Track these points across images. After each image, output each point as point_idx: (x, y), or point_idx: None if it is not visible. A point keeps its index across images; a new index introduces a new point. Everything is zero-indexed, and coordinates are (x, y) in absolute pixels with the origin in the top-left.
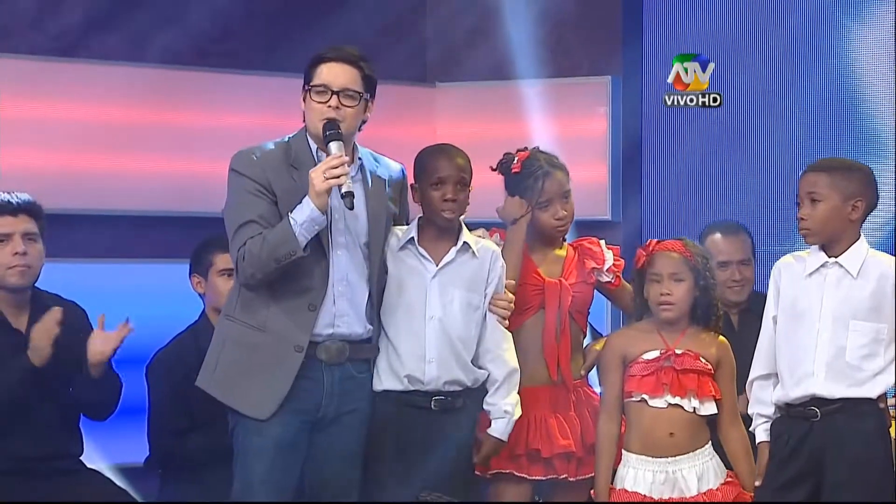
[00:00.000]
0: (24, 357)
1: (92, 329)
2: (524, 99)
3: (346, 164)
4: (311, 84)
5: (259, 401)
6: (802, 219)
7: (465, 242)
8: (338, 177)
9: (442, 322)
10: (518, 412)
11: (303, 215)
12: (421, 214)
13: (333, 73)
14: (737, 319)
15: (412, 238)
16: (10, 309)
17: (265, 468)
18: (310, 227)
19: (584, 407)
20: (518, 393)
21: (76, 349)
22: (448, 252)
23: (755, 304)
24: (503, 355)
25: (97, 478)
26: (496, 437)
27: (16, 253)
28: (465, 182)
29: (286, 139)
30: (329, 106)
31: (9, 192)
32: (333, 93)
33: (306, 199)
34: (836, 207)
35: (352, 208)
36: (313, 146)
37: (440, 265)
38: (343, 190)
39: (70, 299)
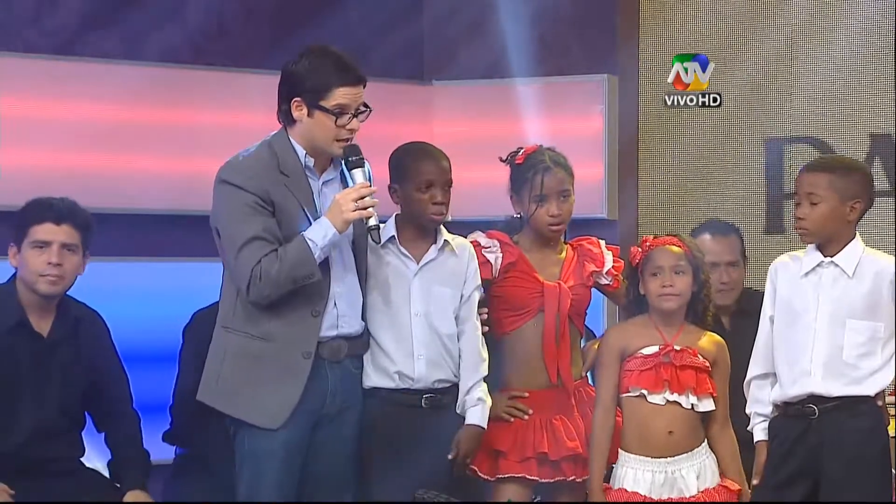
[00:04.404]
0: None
1: (111, 339)
2: (520, 97)
3: (373, 195)
4: (326, 106)
5: (270, 410)
6: (801, 218)
7: (445, 241)
8: (366, 208)
9: (427, 318)
10: (489, 400)
11: (324, 238)
12: (398, 213)
13: (351, 96)
14: (728, 321)
15: (392, 237)
16: (35, 312)
17: (276, 471)
18: (328, 250)
19: (586, 407)
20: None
21: (94, 360)
22: (429, 250)
23: (747, 305)
24: (476, 338)
25: (96, 478)
26: (477, 425)
27: (50, 262)
28: (451, 183)
29: (268, 143)
30: (349, 128)
31: (58, 198)
32: (352, 115)
33: (325, 221)
34: (835, 208)
35: (378, 242)
36: (300, 152)
37: (421, 263)
38: (371, 223)
39: (94, 309)
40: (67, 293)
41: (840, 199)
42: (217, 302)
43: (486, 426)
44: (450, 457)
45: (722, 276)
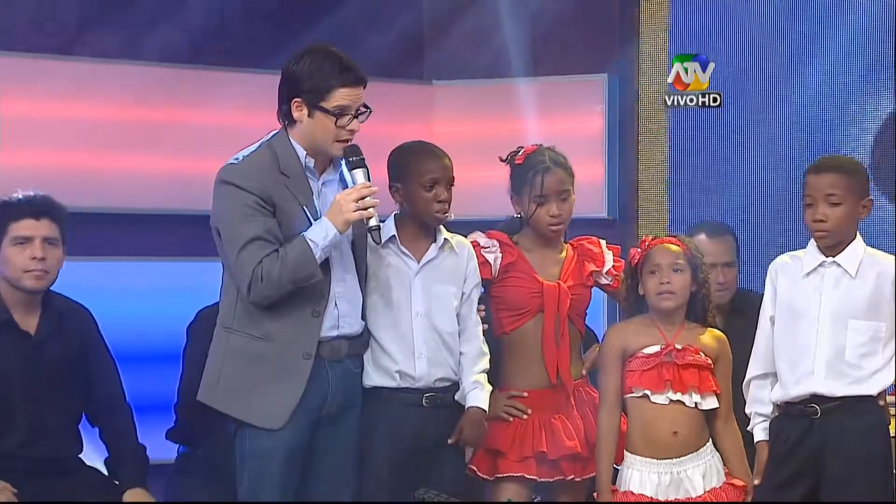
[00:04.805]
0: None
1: (99, 332)
2: (521, 97)
3: (374, 196)
4: (326, 107)
5: (271, 411)
6: (822, 220)
7: (444, 239)
8: (367, 208)
9: (428, 317)
10: (488, 387)
11: (325, 239)
12: (396, 212)
13: (352, 97)
14: (722, 321)
15: (393, 236)
16: (20, 310)
17: (277, 471)
18: (328, 251)
19: (586, 406)
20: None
21: (84, 354)
22: (429, 249)
23: (741, 304)
24: (477, 334)
25: (96, 476)
26: (478, 407)
27: (34, 258)
28: (453, 181)
29: (268, 143)
30: (349, 129)
31: (33, 192)
32: (352, 116)
33: (325, 221)
34: (853, 209)
35: (379, 242)
36: (300, 153)
37: (422, 262)
38: (372, 223)
39: (79, 302)
40: (51, 288)
41: (856, 199)
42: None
43: (487, 409)
44: (450, 441)
45: (718, 276)
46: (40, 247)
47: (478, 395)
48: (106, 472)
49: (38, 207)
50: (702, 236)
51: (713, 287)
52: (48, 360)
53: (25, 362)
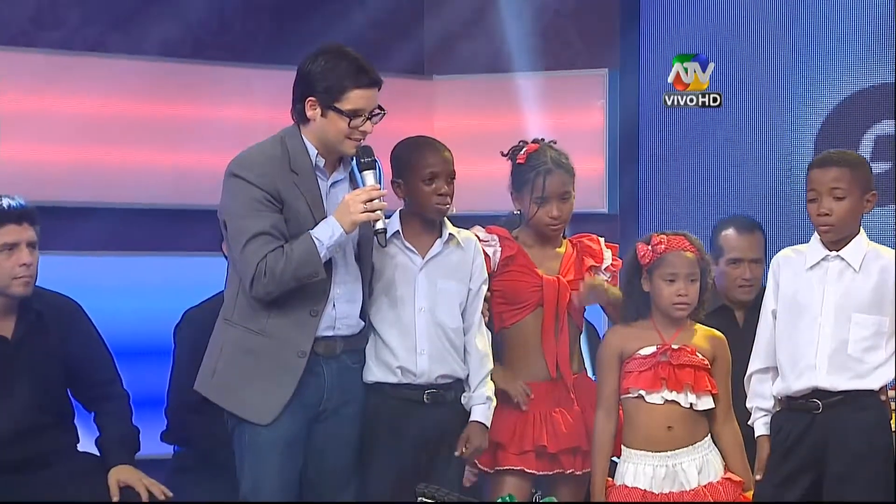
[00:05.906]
0: None
1: (86, 322)
2: (521, 92)
3: (382, 198)
4: (340, 108)
5: (262, 405)
6: (826, 214)
7: (450, 234)
8: (374, 210)
9: (432, 313)
10: (494, 400)
11: (331, 238)
12: (402, 207)
13: (366, 99)
14: (741, 315)
15: (397, 232)
16: None
17: (277, 462)
18: (334, 250)
19: (586, 399)
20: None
21: (69, 347)
22: (434, 244)
23: (758, 301)
24: (478, 337)
25: (88, 459)
26: (482, 423)
27: (22, 264)
28: (454, 175)
29: (280, 139)
30: (362, 131)
31: (8, 197)
32: (366, 118)
33: (332, 220)
34: (858, 202)
35: (384, 245)
36: (312, 151)
37: (427, 258)
38: (377, 226)
39: (65, 295)
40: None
41: (861, 192)
42: (207, 300)
43: (489, 425)
44: (457, 454)
45: (745, 272)
46: (27, 252)
47: (484, 411)
48: (98, 453)
49: (20, 212)
50: (731, 231)
51: (738, 282)
52: (27, 361)
53: (3, 366)
